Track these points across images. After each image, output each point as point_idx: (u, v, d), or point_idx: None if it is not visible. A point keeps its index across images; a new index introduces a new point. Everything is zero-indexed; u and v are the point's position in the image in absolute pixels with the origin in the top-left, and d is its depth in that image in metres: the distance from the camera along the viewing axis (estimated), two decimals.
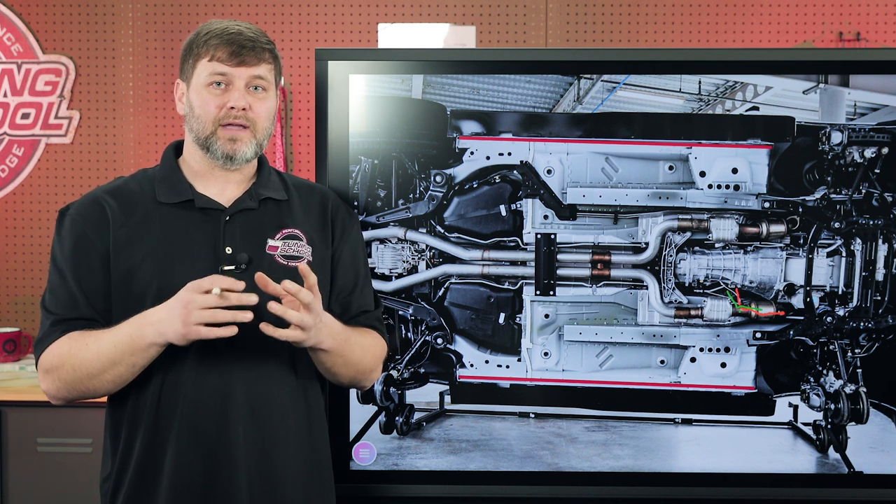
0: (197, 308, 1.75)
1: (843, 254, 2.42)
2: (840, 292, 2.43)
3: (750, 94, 2.40)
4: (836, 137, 2.39)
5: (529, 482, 2.45)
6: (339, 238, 2.07)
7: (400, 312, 2.45)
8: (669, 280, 2.43)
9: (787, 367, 2.45)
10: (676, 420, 2.47)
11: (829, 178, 2.40)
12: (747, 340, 2.44)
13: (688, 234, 2.42)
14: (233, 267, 1.91)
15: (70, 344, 1.88)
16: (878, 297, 2.42)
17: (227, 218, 1.95)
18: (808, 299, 2.43)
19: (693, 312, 2.44)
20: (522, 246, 2.43)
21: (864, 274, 2.42)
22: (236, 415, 1.90)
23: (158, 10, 3.58)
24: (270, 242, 1.97)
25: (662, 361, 2.46)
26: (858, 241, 2.41)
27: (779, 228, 2.42)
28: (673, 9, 3.51)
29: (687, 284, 2.43)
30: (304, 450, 1.99)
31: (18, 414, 3.11)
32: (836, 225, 2.41)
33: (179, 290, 1.86)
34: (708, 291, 2.43)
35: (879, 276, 2.42)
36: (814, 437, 2.45)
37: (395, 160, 2.42)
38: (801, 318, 2.43)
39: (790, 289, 2.43)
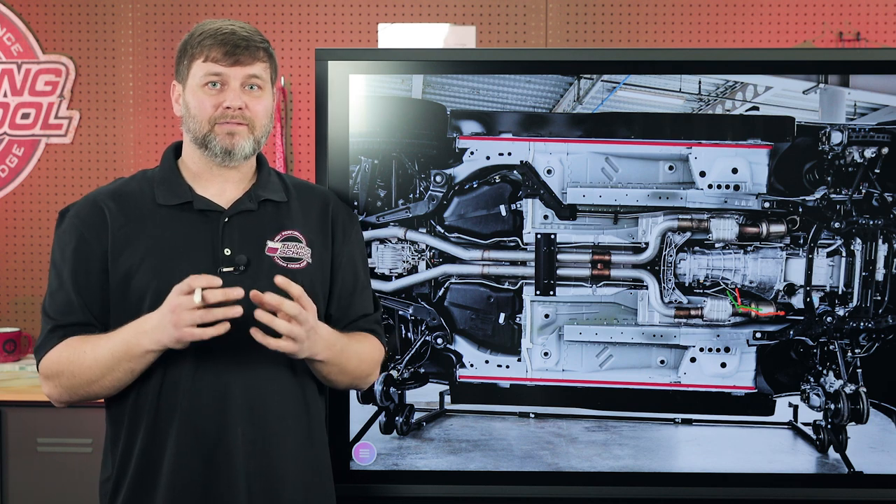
0: (185, 310, 1.75)
1: (843, 254, 2.42)
2: (840, 292, 2.43)
3: (750, 94, 2.40)
4: (836, 137, 2.39)
5: (529, 482, 2.45)
6: (339, 241, 2.06)
7: (400, 312, 2.45)
8: (669, 280, 2.43)
9: (787, 367, 2.45)
10: (676, 420, 2.47)
11: (829, 178, 2.40)
12: (747, 340, 2.44)
13: (688, 234, 2.42)
14: (231, 269, 1.91)
15: (68, 351, 1.89)
16: (878, 297, 2.42)
17: (226, 219, 1.94)
18: (808, 299, 2.43)
19: (693, 312, 2.44)
20: (522, 246, 2.43)
21: (864, 274, 2.42)
22: (235, 415, 1.90)
23: (158, 10, 3.58)
24: (270, 244, 1.97)
25: (662, 361, 2.46)
26: (858, 241, 2.41)
27: (779, 228, 2.42)
28: (673, 9, 3.51)
29: (687, 284, 2.43)
30: (303, 450, 1.99)
31: (18, 414, 3.11)
32: (836, 225, 2.41)
33: None
34: (708, 291, 2.43)
35: (879, 276, 2.42)
36: (814, 437, 2.45)
37: (395, 160, 2.42)
38: (801, 318, 2.43)
39: (790, 289, 2.43)
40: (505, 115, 2.42)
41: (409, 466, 2.46)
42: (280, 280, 1.80)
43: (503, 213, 2.43)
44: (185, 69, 1.95)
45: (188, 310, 1.75)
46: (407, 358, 2.46)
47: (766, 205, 2.41)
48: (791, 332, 2.44)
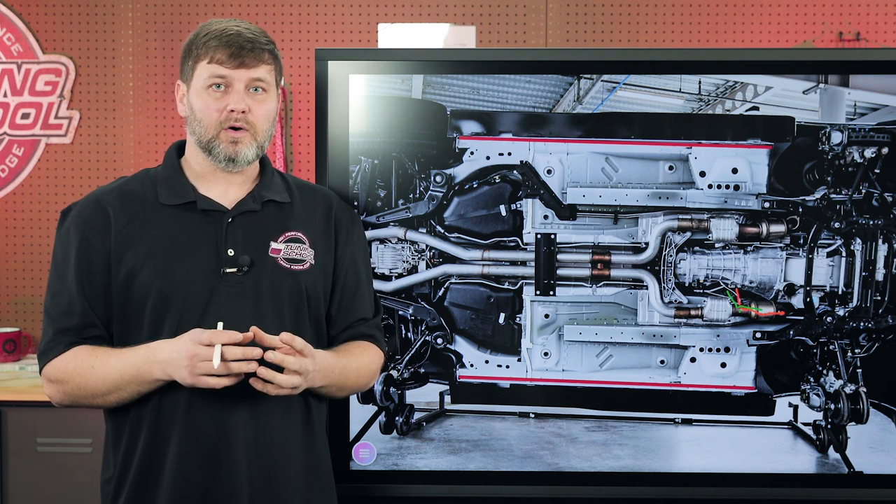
0: (201, 361, 1.77)
1: (843, 254, 2.42)
2: (840, 292, 2.43)
3: (750, 94, 2.40)
4: (836, 137, 2.39)
5: (529, 482, 2.45)
6: (342, 242, 2.06)
7: (400, 312, 2.45)
8: (669, 280, 2.43)
9: (787, 367, 2.45)
10: (676, 420, 2.47)
11: (829, 178, 2.40)
12: (747, 340, 2.44)
13: (688, 234, 2.42)
14: (235, 269, 1.91)
15: (76, 362, 1.89)
16: (878, 297, 2.42)
17: (230, 220, 1.94)
18: (808, 299, 2.43)
19: (693, 312, 2.44)
20: (522, 246, 2.43)
21: (864, 274, 2.42)
22: (236, 416, 1.90)
23: (158, 10, 3.58)
24: (273, 245, 1.96)
25: (662, 361, 2.46)
26: (858, 241, 2.41)
27: (779, 228, 2.42)
28: (673, 9, 3.51)
29: (687, 284, 2.43)
30: (304, 450, 1.99)
31: (18, 414, 3.11)
32: (836, 225, 2.41)
33: (180, 291, 1.87)
34: (708, 291, 2.43)
35: (879, 276, 2.42)
36: (814, 437, 2.45)
37: (395, 160, 2.42)
38: (801, 318, 2.43)
39: (790, 289, 2.43)
40: (505, 115, 2.42)
41: (409, 466, 2.46)
42: (286, 337, 1.81)
43: (503, 213, 2.43)
44: (189, 70, 1.94)
45: (205, 361, 1.76)
46: (407, 358, 2.46)
47: (766, 205, 2.41)
48: (791, 332, 2.44)
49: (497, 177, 2.43)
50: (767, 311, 2.43)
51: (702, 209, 2.42)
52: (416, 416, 2.47)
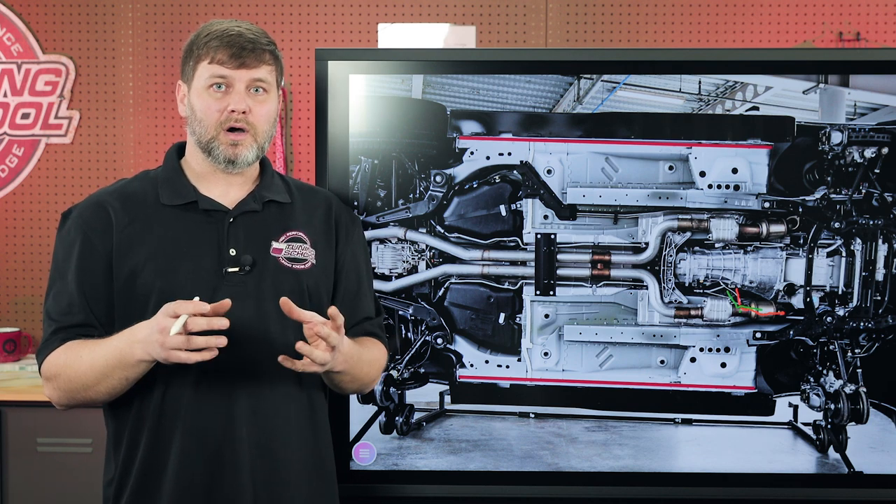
0: (170, 334, 1.73)
1: (843, 254, 2.42)
2: (840, 292, 2.43)
3: (750, 94, 2.40)
4: (836, 137, 2.39)
5: (529, 482, 2.45)
6: (342, 242, 2.06)
7: (400, 312, 2.45)
8: (669, 280, 2.43)
9: (787, 367, 2.45)
10: (676, 420, 2.47)
11: (829, 178, 2.40)
12: (747, 340, 2.44)
13: (688, 234, 2.42)
14: (237, 269, 1.91)
15: (67, 355, 1.88)
16: (878, 297, 2.42)
17: (231, 220, 1.94)
18: (808, 299, 2.43)
19: (693, 312, 2.44)
20: (522, 246, 2.43)
21: (864, 274, 2.42)
22: (240, 416, 1.90)
23: (158, 10, 3.58)
24: (275, 245, 1.96)
25: (662, 361, 2.46)
26: (858, 241, 2.41)
27: (779, 228, 2.42)
28: (673, 9, 3.51)
29: (687, 284, 2.43)
30: (307, 450, 1.99)
31: (18, 414, 3.10)
32: (836, 225, 2.41)
33: (182, 291, 1.86)
34: (708, 291, 2.43)
35: (879, 276, 2.42)
36: (814, 437, 2.45)
37: (395, 160, 2.42)
38: (801, 318, 2.43)
39: (790, 289, 2.43)
40: (505, 115, 2.42)
41: (409, 466, 2.46)
42: (332, 312, 1.79)
43: (503, 213, 2.43)
44: (190, 70, 1.94)
45: (173, 334, 1.73)
46: (407, 358, 2.46)
47: (766, 205, 2.41)
48: (791, 332, 2.44)
49: (497, 177, 2.43)
50: (767, 311, 2.43)
51: (702, 209, 2.42)
52: (416, 416, 2.47)
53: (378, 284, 2.39)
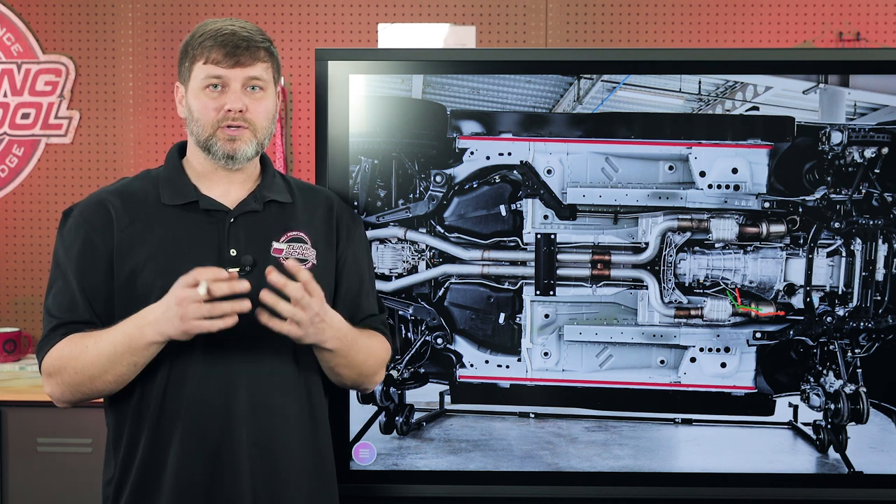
0: (191, 303, 1.74)
1: (843, 254, 2.42)
2: (840, 292, 2.43)
3: (750, 94, 2.40)
4: (836, 137, 2.39)
5: (529, 482, 2.45)
6: (344, 242, 2.06)
7: (400, 312, 2.45)
8: (669, 280, 2.43)
9: (787, 367, 2.45)
10: (676, 420, 2.47)
11: (829, 178, 2.40)
12: (747, 340, 2.44)
13: (688, 234, 2.42)
14: (237, 269, 1.91)
15: (70, 347, 1.88)
16: (878, 297, 2.42)
17: (232, 220, 1.94)
18: (808, 299, 2.43)
19: (693, 312, 2.44)
20: (522, 246, 2.43)
21: (864, 274, 2.42)
22: (239, 415, 1.90)
23: (158, 10, 3.58)
24: (275, 245, 1.96)
25: (662, 361, 2.46)
26: (858, 241, 2.41)
27: (779, 228, 2.42)
28: (673, 9, 3.51)
29: (687, 284, 2.43)
30: (307, 450, 1.99)
31: (18, 414, 3.11)
32: (836, 225, 2.41)
33: None
34: (708, 291, 2.43)
35: (879, 276, 2.42)
36: (814, 437, 2.45)
37: (395, 160, 2.42)
38: (801, 318, 2.43)
39: (790, 289, 2.43)
40: (505, 115, 2.42)
41: (409, 466, 2.46)
42: (290, 264, 1.79)
43: (503, 213, 2.43)
44: (186, 71, 1.94)
45: (194, 302, 1.74)
46: (407, 358, 2.46)
47: (766, 205, 2.41)
48: (791, 332, 2.44)
49: (497, 177, 2.43)
50: (767, 311, 2.43)
51: (702, 209, 2.42)
52: (416, 416, 2.47)
53: (378, 284, 2.38)
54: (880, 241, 2.41)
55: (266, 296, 1.78)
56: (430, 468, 2.46)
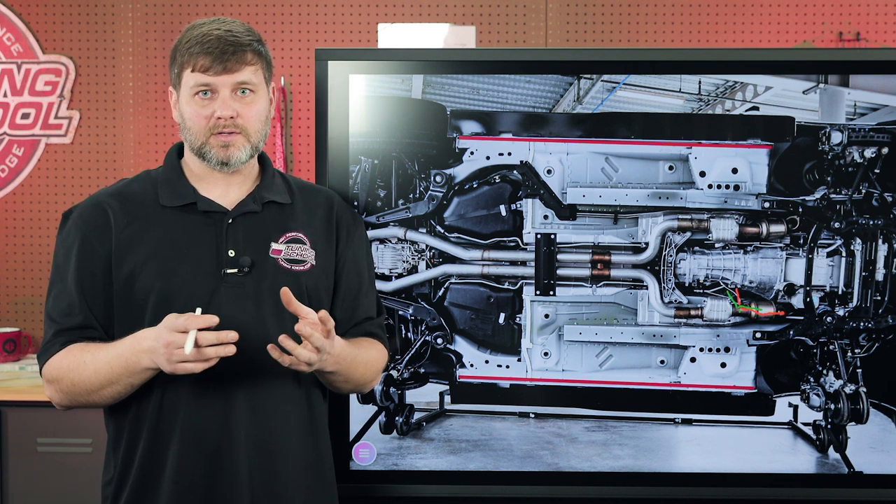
0: (177, 348, 1.74)
1: (843, 254, 2.42)
2: (840, 292, 2.43)
3: (750, 94, 2.40)
4: (836, 137, 2.39)
5: (529, 482, 2.45)
6: (343, 242, 2.06)
7: (400, 312, 2.45)
8: (669, 280, 2.43)
9: (787, 367, 2.45)
10: (676, 420, 2.47)
11: (829, 178, 2.40)
12: (747, 340, 2.44)
13: (688, 234, 2.42)
14: (235, 270, 1.91)
15: (69, 359, 1.88)
16: (878, 297, 2.42)
17: (230, 221, 1.94)
18: (808, 299, 2.43)
19: (693, 312, 2.44)
20: (522, 246, 2.43)
21: (864, 274, 2.42)
22: (238, 417, 1.90)
23: (158, 10, 3.58)
24: (274, 246, 1.96)
25: (662, 361, 2.46)
26: (858, 241, 2.41)
27: (779, 228, 2.42)
28: (673, 9, 3.51)
29: (687, 284, 2.43)
30: (306, 452, 1.99)
31: (18, 414, 3.11)
32: (836, 225, 2.41)
33: (181, 292, 1.86)
34: (708, 291, 2.43)
35: (879, 276, 2.42)
36: (814, 437, 2.45)
37: (395, 160, 2.42)
38: (801, 318, 2.43)
39: (790, 289, 2.43)
40: (505, 115, 2.42)
41: (409, 466, 2.46)
42: (323, 315, 1.79)
43: (503, 213, 2.43)
44: (176, 77, 1.94)
45: (178, 349, 1.73)
46: (407, 358, 2.46)
47: (766, 205, 2.41)
48: (791, 332, 2.44)
49: (497, 177, 2.43)
50: (767, 311, 2.43)
51: (702, 209, 2.42)
52: (416, 416, 2.47)
53: (378, 284, 2.38)
54: (880, 241, 2.41)
55: (286, 341, 1.77)
56: (430, 468, 2.46)
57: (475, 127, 2.42)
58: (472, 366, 2.46)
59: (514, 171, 2.42)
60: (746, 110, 2.40)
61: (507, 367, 2.46)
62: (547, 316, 2.45)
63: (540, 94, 2.42)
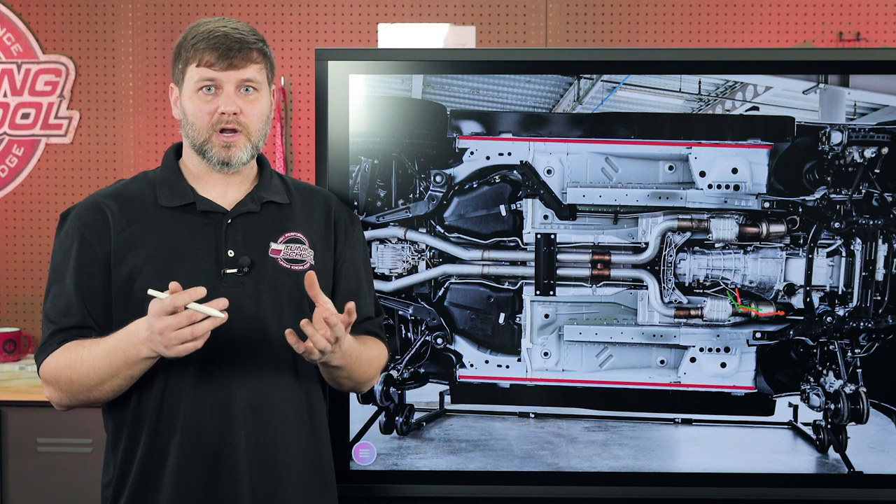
0: (172, 331, 1.73)
1: (843, 254, 2.42)
2: (840, 292, 2.43)
3: (750, 94, 2.40)
4: (836, 137, 2.39)
5: (529, 482, 2.45)
6: (342, 243, 2.06)
7: (400, 312, 2.45)
8: (669, 280, 2.43)
9: (787, 367, 2.45)
10: (676, 420, 2.47)
11: (828, 178, 2.40)
12: (747, 340, 2.44)
13: (688, 234, 2.42)
14: (235, 270, 1.91)
15: (66, 357, 1.88)
16: (878, 297, 2.42)
17: (229, 221, 1.94)
18: (808, 299, 2.43)
19: (693, 312, 2.44)
20: (522, 246, 2.43)
21: (863, 274, 2.42)
22: (238, 417, 1.90)
23: (158, 10, 3.58)
24: (273, 246, 1.96)
25: (662, 361, 2.46)
26: (858, 241, 2.41)
27: (779, 228, 2.42)
28: (673, 9, 3.51)
29: (687, 284, 2.43)
30: (306, 452, 1.98)
31: (18, 414, 3.10)
32: (836, 225, 2.41)
33: None
34: (708, 291, 2.43)
35: (879, 276, 2.42)
36: (814, 437, 2.45)
37: (395, 160, 2.42)
38: (801, 318, 2.43)
39: (790, 289, 2.43)
40: (505, 115, 2.42)
41: (409, 466, 2.46)
42: (350, 306, 1.80)
43: (503, 213, 2.43)
44: (179, 73, 1.94)
45: (174, 331, 1.72)
46: (407, 358, 2.46)
47: (766, 205, 2.41)
48: (791, 332, 2.44)
49: (497, 177, 2.43)
50: (767, 311, 2.43)
51: (702, 209, 2.42)
52: (416, 416, 2.47)
53: (378, 284, 2.39)
54: (880, 241, 2.41)
55: (307, 326, 1.77)
56: (429, 468, 2.46)
57: (475, 127, 2.42)
58: (472, 366, 2.46)
59: (514, 171, 2.42)
60: (746, 110, 2.40)
61: (507, 367, 2.46)
62: (547, 316, 2.45)
63: (540, 94, 2.42)
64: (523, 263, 2.44)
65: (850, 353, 2.43)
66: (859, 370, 2.43)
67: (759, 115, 2.40)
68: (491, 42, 3.54)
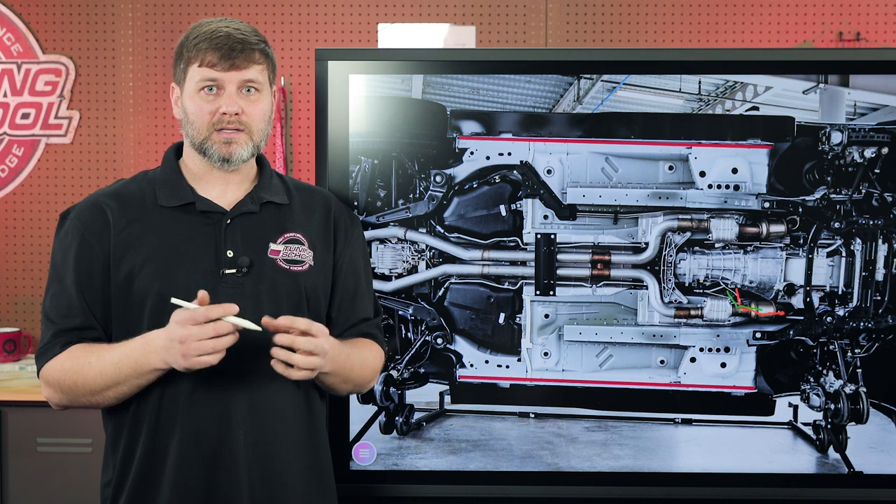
0: (195, 341, 1.74)
1: (843, 254, 2.42)
2: (840, 292, 2.43)
3: (750, 94, 2.40)
4: (836, 137, 2.39)
5: (529, 482, 2.45)
6: (341, 243, 2.06)
7: (400, 312, 2.45)
8: (669, 280, 2.43)
9: (787, 367, 2.45)
10: (676, 420, 2.47)
11: (829, 178, 2.40)
12: (747, 340, 2.44)
13: (688, 234, 2.42)
14: (234, 270, 1.91)
15: (72, 360, 1.88)
16: (878, 297, 2.42)
17: (229, 221, 1.94)
18: (808, 299, 2.43)
19: (693, 312, 2.44)
20: (522, 246, 2.43)
21: (863, 274, 2.42)
22: (237, 417, 1.90)
23: (158, 10, 3.58)
24: (272, 246, 1.96)
25: (662, 361, 2.46)
26: (858, 241, 2.41)
27: (779, 228, 2.42)
28: (673, 9, 3.51)
29: (687, 284, 2.43)
30: (305, 452, 1.98)
31: (18, 414, 3.10)
32: (836, 225, 2.41)
33: (180, 293, 1.85)
34: (708, 291, 2.43)
35: (879, 276, 2.42)
36: (814, 437, 2.45)
37: (395, 160, 2.42)
38: (801, 318, 2.43)
39: (790, 289, 2.43)
40: (505, 115, 2.42)
41: (409, 466, 2.46)
42: (284, 322, 1.81)
43: (503, 213, 2.43)
44: (181, 73, 1.94)
45: (198, 341, 1.74)
46: (407, 358, 2.46)
47: (766, 205, 2.41)
48: (791, 332, 2.44)
49: (497, 177, 2.43)
50: (767, 311, 2.43)
51: (702, 209, 2.42)
52: (416, 416, 2.47)
53: (378, 284, 2.39)
54: (880, 241, 2.41)
55: (278, 352, 1.80)
56: (429, 468, 2.46)
57: (475, 127, 2.42)
58: (472, 366, 2.46)
59: (514, 171, 2.42)
60: (746, 110, 2.40)
61: (507, 367, 2.46)
62: (547, 316, 2.45)
63: (540, 94, 2.42)
64: (523, 263, 2.44)
65: (850, 353, 2.43)
66: (859, 370, 2.43)
67: (759, 115, 2.40)
68: (491, 42, 3.54)
